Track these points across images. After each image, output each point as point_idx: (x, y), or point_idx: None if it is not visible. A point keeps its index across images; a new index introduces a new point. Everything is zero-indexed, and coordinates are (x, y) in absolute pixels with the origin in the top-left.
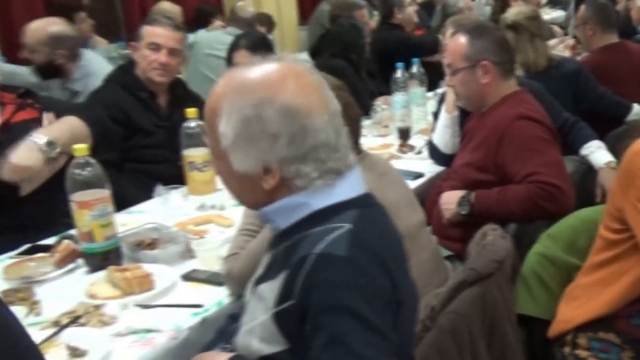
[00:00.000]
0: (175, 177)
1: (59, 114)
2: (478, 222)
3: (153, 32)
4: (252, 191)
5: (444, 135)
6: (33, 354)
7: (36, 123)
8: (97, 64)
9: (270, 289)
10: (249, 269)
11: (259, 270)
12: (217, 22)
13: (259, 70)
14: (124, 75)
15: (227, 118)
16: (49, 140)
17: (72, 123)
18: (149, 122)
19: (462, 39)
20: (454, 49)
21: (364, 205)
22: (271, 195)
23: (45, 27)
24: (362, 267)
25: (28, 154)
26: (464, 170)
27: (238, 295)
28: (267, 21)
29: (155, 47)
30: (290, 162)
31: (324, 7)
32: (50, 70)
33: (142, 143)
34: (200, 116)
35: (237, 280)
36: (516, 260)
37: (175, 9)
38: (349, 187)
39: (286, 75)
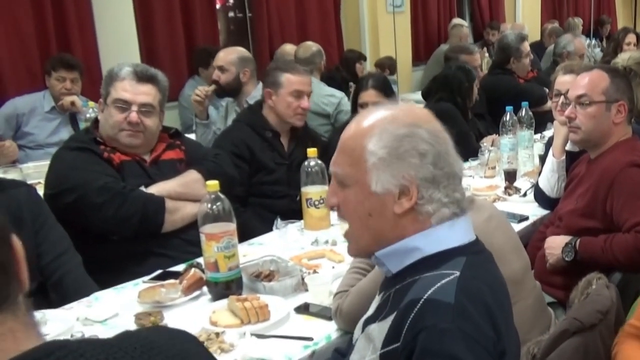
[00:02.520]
0: (294, 212)
1: (198, 157)
2: (582, 269)
3: (296, 81)
4: (379, 218)
5: (550, 180)
6: None
7: (181, 163)
8: None
9: (379, 330)
10: (357, 307)
11: (370, 311)
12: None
13: (402, 107)
14: (252, 116)
15: (379, 137)
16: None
17: (193, 177)
18: (271, 160)
19: (604, 75)
20: (594, 82)
21: (473, 252)
22: (397, 224)
23: (234, 51)
24: (469, 315)
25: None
26: (570, 216)
27: (346, 331)
28: (389, 64)
29: (299, 94)
30: (428, 183)
31: (443, 48)
32: (232, 88)
33: (264, 180)
34: (321, 155)
35: (345, 317)
36: (620, 310)
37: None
38: (459, 234)
39: (425, 112)
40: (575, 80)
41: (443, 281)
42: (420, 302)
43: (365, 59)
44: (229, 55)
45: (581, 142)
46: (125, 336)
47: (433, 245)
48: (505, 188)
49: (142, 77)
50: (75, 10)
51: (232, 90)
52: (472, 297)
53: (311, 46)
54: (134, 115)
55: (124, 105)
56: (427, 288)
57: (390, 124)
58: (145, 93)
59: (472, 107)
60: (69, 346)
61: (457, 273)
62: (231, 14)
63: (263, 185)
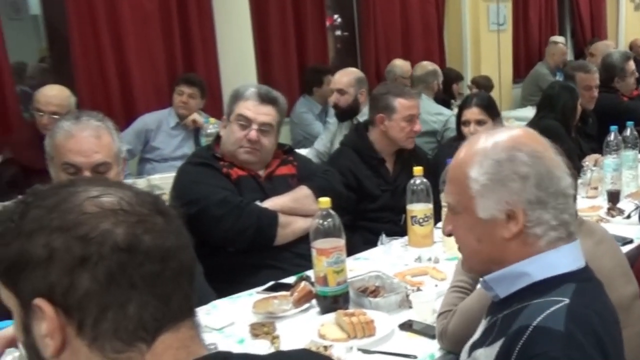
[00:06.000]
0: (397, 233)
1: (308, 173)
2: None
3: (409, 105)
4: (488, 243)
5: None
6: None
7: (293, 178)
8: None
9: (486, 356)
10: (463, 328)
11: (476, 335)
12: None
13: (504, 131)
14: (358, 140)
15: (480, 164)
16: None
17: (305, 193)
18: (376, 187)
19: None
20: None
21: (583, 279)
22: (505, 248)
23: (350, 72)
24: (579, 344)
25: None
26: None
27: (448, 350)
28: (485, 84)
29: (411, 118)
30: (534, 205)
31: (539, 68)
32: (351, 109)
33: (369, 207)
34: (426, 174)
35: (450, 338)
36: None
37: (407, 66)
38: (568, 260)
39: (528, 132)
40: None
41: (552, 308)
42: (530, 328)
43: (462, 78)
44: (346, 77)
45: None
46: (278, 355)
47: (542, 270)
48: (608, 209)
49: (264, 99)
50: (200, 34)
51: (352, 111)
52: (581, 325)
53: (427, 65)
54: (253, 133)
55: (245, 122)
56: (536, 315)
57: (490, 150)
58: (266, 113)
59: (582, 127)
60: (231, 359)
61: (567, 300)
62: (338, 33)
63: (368, 213)
